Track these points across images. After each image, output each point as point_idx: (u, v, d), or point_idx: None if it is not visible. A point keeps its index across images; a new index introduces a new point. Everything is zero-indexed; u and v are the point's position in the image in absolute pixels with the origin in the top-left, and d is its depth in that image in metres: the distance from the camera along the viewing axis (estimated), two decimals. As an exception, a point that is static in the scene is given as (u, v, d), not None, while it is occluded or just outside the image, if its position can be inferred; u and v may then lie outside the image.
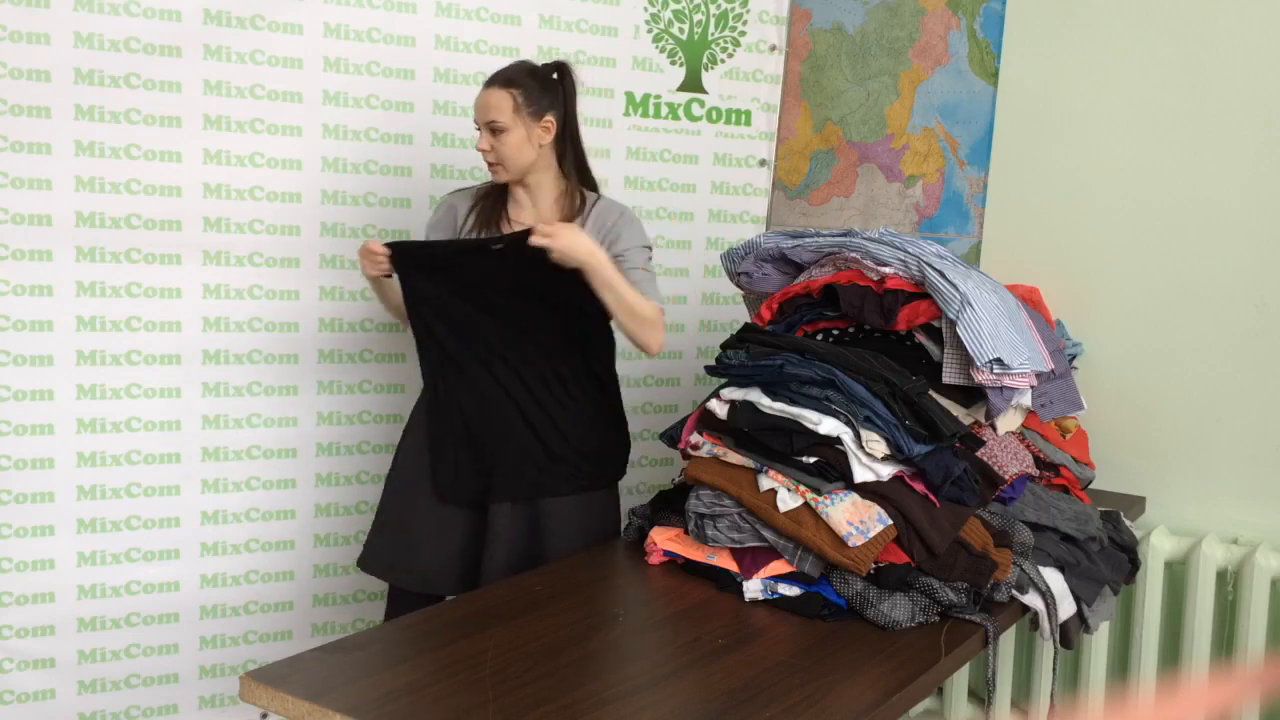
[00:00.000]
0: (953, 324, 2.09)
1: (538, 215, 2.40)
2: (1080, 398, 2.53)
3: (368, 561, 2.47)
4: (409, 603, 2.40)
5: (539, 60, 2.71)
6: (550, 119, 2.35)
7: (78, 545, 2.70)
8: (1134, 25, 2.74)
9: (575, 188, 2.42)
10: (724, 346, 2.22)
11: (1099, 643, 2.66)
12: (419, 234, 2.93)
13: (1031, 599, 2.06)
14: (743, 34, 3.19)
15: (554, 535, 2.38)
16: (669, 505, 2.24)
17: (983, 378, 2.09)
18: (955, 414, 2.12)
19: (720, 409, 2.12)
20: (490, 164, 2.36)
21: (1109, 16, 2.77)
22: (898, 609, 1.91)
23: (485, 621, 1.84)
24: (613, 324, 2.37)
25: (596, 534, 2.42)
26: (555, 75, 2.38)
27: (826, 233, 2.33)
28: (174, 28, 2.63)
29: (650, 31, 3.08)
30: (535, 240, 2.19)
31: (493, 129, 2.31)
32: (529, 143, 2.33)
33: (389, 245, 2.31)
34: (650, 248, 2.41)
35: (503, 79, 2.33)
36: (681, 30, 3.12)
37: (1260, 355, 2.61)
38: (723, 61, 3.17)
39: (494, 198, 2.44)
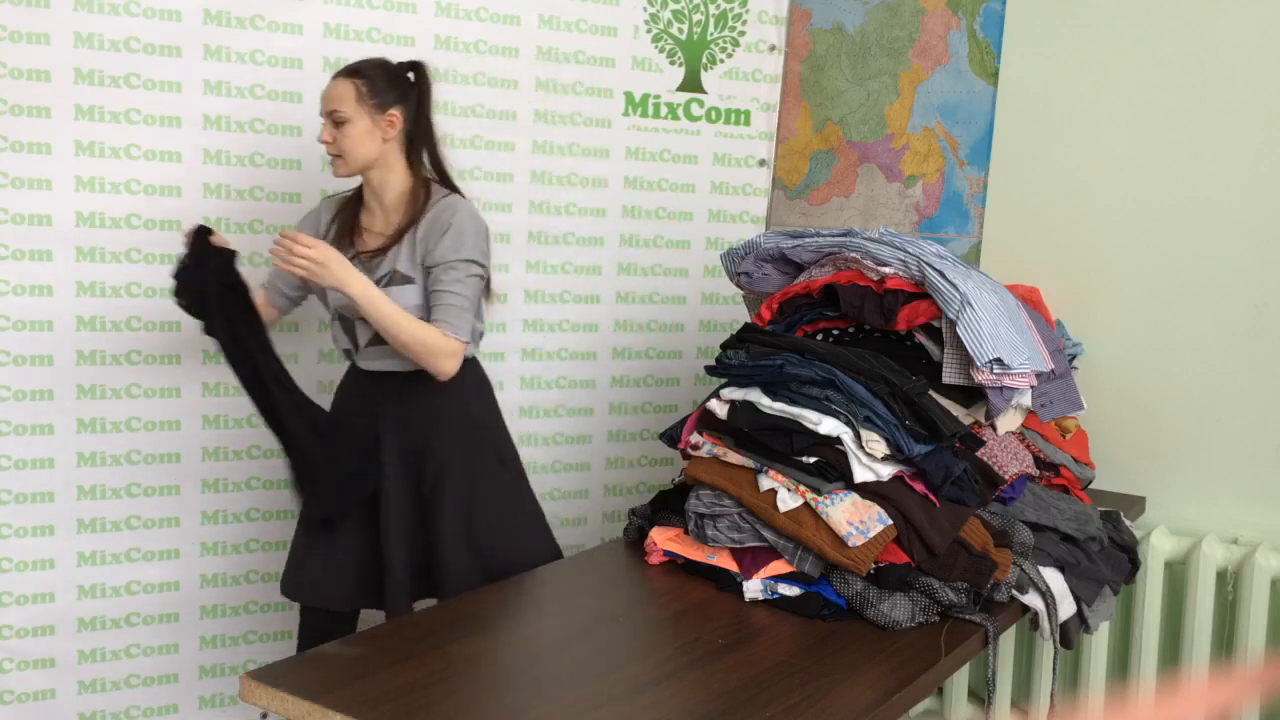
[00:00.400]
0: (953, 324, 2.09)
1: (386, 219, 2.35)
2: (1080, 398, 2.53)
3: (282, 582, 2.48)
4: (315, 622, 2.42)
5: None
6: (395, 113, 2.29)
7: (78, 545, 2.70)
8: (1134, 25, 2.74)
9: (421, 186, 2.34)
10: (724, 346, 2.23)
11: (1099, 643, 2.66)
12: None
13: (1031, 599, 2.06)
14: (742, 34, 3.19)
15: (448, 543, 2.33)
16: (669, 505, 2.23)
17: (983, 378, 2.09)
18: (955, 414, 2.12)
19: (720, 409, 2.12)
20: (331, 156, 2.30)
21: (1109, 16, 2.77)
22: (898, 609, 1.91)
23: (485, 621, 1.85)
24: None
25: (501, 512, 2.40)
26: (409, 73, 2.35)
27: (826, 233, 2.33)
28: (174, 28, 2.63)
29: (650, 31, 3.08)
30: (296, 253, 2.16)
31: (335, 120, 2.27)
32: (371, 136, 2.27)
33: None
34: (476, 263, 2.28)
35: (349, 70, 2.30)
36: (681, 30, 3.12)
37: (1260, 355, 2.61)
38: (722, 61, 3.17)
39: (351, 208, 2.40)
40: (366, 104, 2.27)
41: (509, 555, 2.35)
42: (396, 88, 2.31)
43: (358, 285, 2.21)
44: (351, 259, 2.31)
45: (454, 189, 2.38)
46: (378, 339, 2.32)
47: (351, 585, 2.39)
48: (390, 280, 2.30)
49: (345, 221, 2.39)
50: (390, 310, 2.23)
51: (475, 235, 2.29)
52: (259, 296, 2.40)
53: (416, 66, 2.36)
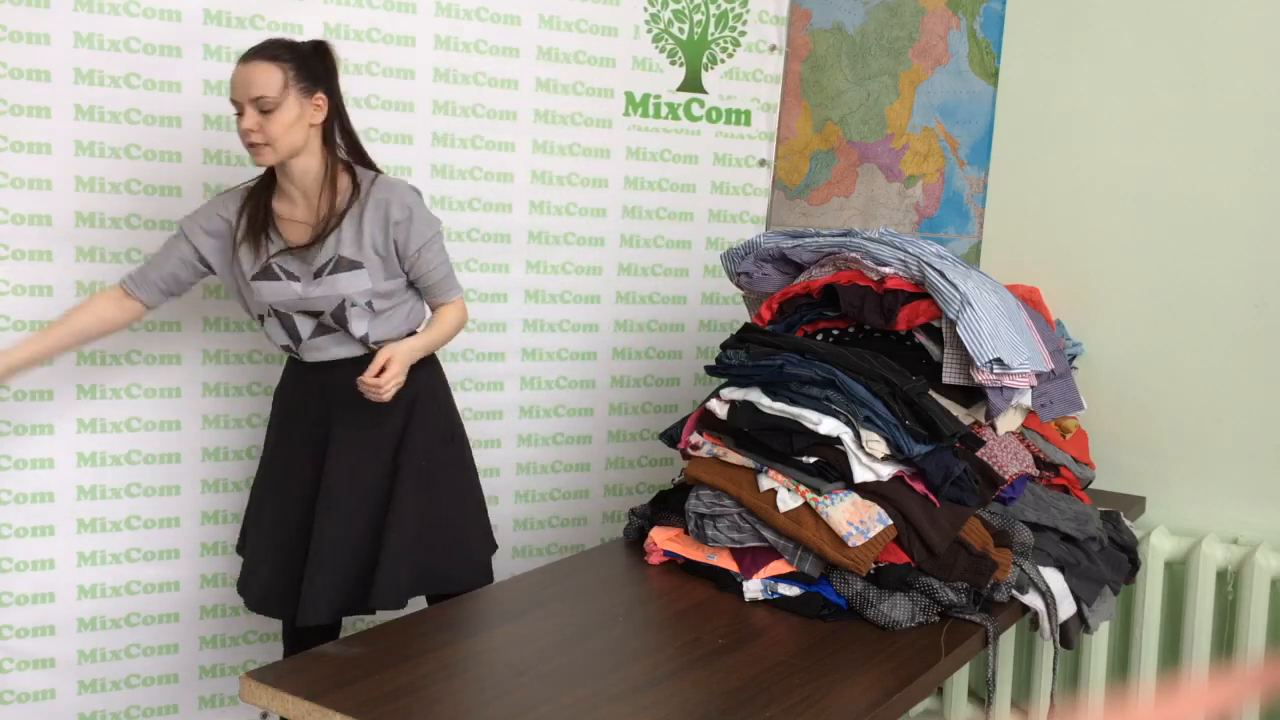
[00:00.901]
0: (953, 324, 2.09)
1: (308, 205, 2.27)
2: (1080, 398, 2.53)
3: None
4: (298, 630, 2.38)
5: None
6: (321, 97, 2.21)
7: (78, 545, 2.70)
8: (1134, 25, 2.74)
9: (342, 168, 2.28)
10: (724, 346, 2.23)
11: (1099, 643, 2.66)
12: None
13: (1031, 599, 2.06)
14: (743, 34, 3.19)
15: (395, 531, 2.30)
16: (669, 505, 2.24)
17: (983, 378, 2.09)
18: (955, 414, 2.12)
19: (720, 409, 2.12)
20: (256, 145, 2.16)
21: (1109, 16, 2.77)
22: (898, 609, 1.91)
23: (486, 621, 1.85)
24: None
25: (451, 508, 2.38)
26: (318, 52, 2.26)
27: (826, 233, 2.33)
28: (174, 28, 2.63)
29: (650, 31, 3.08)
30: (377, 399, 2.18)
31: (261, 107, 2.14)
32: (300, 122, 2.18)
33: None
34: (439, 220, 2.33)
35: (269, 53, 2.16)
36: (681, 30, 3.12)
37: (1260, 355, 2.61)
38: (723, 61, 3.17)
39: (259, 198, 2.28)
40: (293, 89, 2.17)
41: (449, 552, 2.34)
42: (318, 68, 2.23)
43: (419, 350, 2.27)
44: (280, 253, 2.26)
45: (372, 166, 2.34)
46: (322, 329, 2.29)
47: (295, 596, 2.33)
48: (336, 266, 2.24)
49: (256, 213, 2.28)
50: (436, 337, 2.32)
51: (427, 207, 2.33)
52: (109, 295, 2.34)
53: (321, 45, 2.27)
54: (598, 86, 3.04)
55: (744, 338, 2.22)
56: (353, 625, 2.84)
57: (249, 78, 2.15)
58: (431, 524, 2.33)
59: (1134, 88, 2.74)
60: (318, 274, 2.25)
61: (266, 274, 2.27)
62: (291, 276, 2.27)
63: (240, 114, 2.17)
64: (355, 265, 2.25)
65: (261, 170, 2.31)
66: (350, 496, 2.31)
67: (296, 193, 2.27)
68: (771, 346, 2.14)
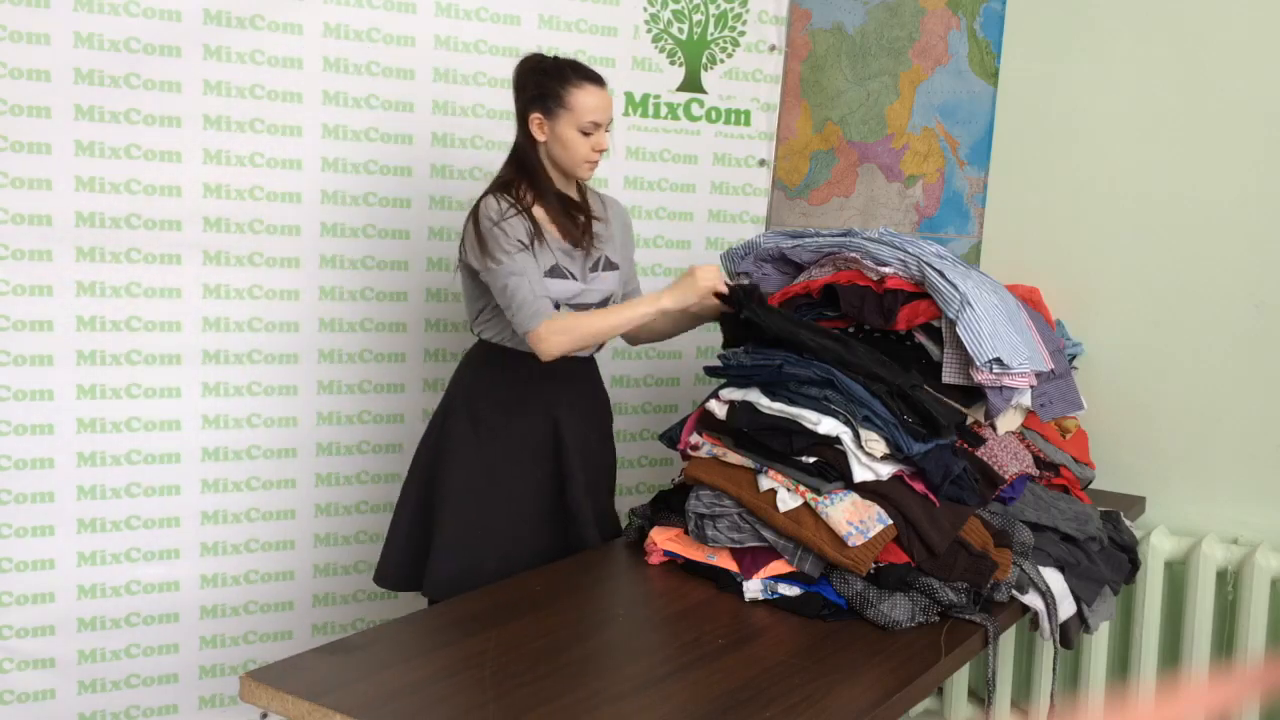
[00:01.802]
0: (952, 324, 2.09)
1: (562, 209, 2.34)
2: (1080, 398, 2.53)
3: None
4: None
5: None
6: None
7: (78, 545, 2.70)
8: (1134, 25, 2.74)
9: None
10: (724, 346, 2.23)
11: (1099, 643, 2.66)
12: (419, 235, 2.93)
13: (1031, 599, 2.06)
14: (742, 34, 3.19)
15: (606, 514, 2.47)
16: (669, 505, 2.23)
17: (982, 378, 2.09)
18: (955, 414, 2.12)
19: (720, 409, 2.12)
20: (597, 161, 2.34)
21: (1109, 16, 2.77)
22: (898, 609, 1.91)
23: (485, 621, 1.84)
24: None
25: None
26: None
27: (826, 233, 2.33)
28: (174, 28, 2.63)
29: (650, 31, 3.08)
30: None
31: (607, 127, 2.31)
32: None
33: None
34: None
35: (601, 76, 2.31)
36: (681, 30, 3.12)
37: (1259, 355, 2.61)
38: (722, 61, 3.17)
39: (520, 208, 2.28)
40: None
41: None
42: None
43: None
44: (568, 252, 2.33)
45: None
46: None
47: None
48: (606, 265, 2.39)
49: (530, 220, 2.28)
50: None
51: None
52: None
53: None
54: (598, 86, 3.04)
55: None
56: (358, 625, 2.83)
57: (609, 101, 2.31)
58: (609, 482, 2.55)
59: (1134, 87, 2.74)
60: (593, 269, 2.37)
61: (555, 273, 2.31)
62: (573, 276, 2.33)
63: (588, 134, 2.29)
64: (614, 266, 2.41)
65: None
66: (586, 462, 2.42)
67: (544, 199, 2.33)
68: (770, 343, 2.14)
